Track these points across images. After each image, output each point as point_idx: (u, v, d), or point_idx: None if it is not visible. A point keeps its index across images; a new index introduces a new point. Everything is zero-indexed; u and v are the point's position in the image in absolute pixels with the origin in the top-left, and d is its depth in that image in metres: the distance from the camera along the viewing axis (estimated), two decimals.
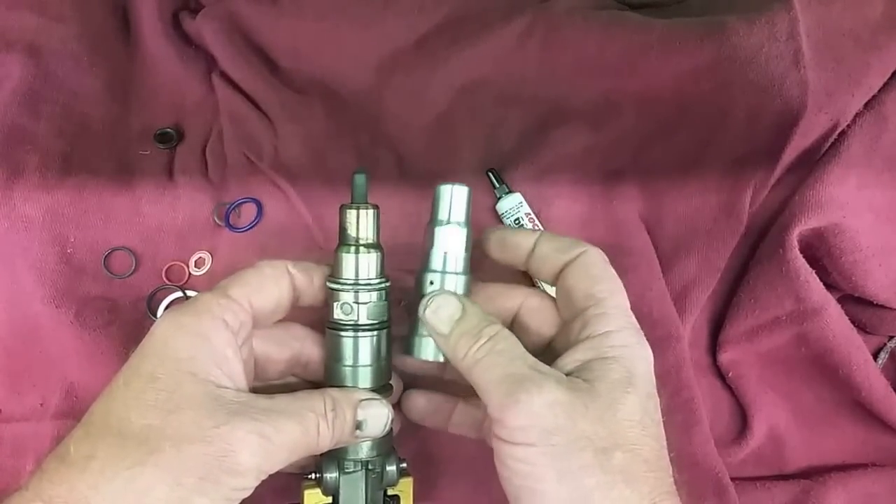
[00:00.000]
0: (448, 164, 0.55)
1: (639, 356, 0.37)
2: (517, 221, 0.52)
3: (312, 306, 0.42)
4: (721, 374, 0.54)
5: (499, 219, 0.53)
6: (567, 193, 0.54)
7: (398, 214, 0.53)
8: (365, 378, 0.40)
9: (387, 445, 0.41)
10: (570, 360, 0.37)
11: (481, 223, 0.54)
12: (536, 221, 0.52)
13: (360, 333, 0.40)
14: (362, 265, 0.39)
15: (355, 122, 0.58)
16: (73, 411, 0.50)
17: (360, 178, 0.40)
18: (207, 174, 0.56)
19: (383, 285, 0.40)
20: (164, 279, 0.53)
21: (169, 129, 0.57)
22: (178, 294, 0.53)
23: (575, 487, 0.34)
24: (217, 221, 0.54)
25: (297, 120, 0.56)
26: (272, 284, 0.40)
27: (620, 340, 0.37)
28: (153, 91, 0.59)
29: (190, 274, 0.54)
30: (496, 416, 0.35)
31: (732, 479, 0.49)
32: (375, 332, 0.40)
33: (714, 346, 0.54)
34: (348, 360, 0.40)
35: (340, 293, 0.40)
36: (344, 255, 0.40)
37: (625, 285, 0.51)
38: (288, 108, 0.56)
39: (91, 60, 0.57)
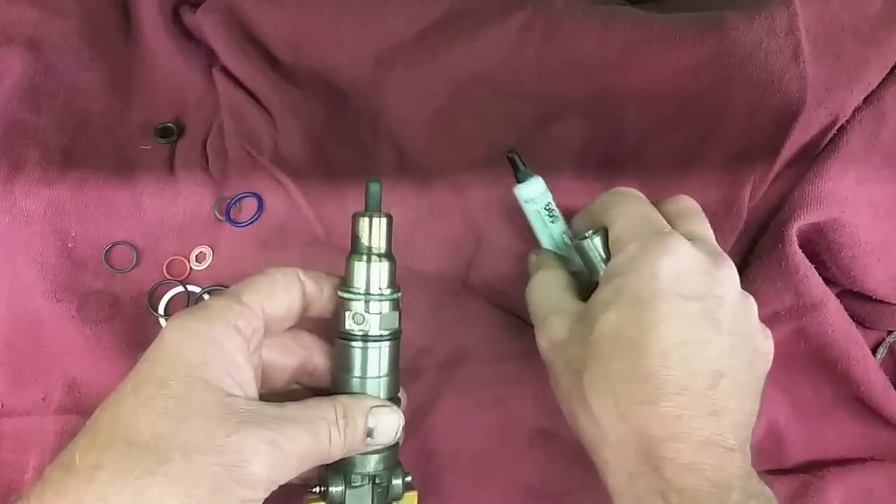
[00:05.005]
0: (448, 158, 0.55)
1: (637, 266, 0.37)
2: (547, 208, 0.47)
3: (321, 317, 0.42)
4: None
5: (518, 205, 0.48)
6: (567, 188, 0.54)
7: (399, 209, 0.53)
8: (374, 389, 0.39)
9: (393, 458, 0.41)
10: (597, 289, 0.40)
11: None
12: (556, 211, 0.48)
13: (369, 344, 0.39)
14: (374, 274, 0.39)
15: (355, 117, 0.58)
16: (76, 406, 0.50)
17: (374, 186, 0.40)
18: (208, 169, 0.56)
19: (395, 296, 0.40)
20: (166, 274, 0.53)
21: (170, 124, 0.57)
22: (180, 289, 0.53)
23: (566, 411, 0.40)
24: (218, 216, 0.54)
25: (297, 114, 0.56)
26: (284, 291, 0.39)
27: (619, 260, 0.39)
28: (154, 85, 0.59)
29: (191, 269, 0.54)
30: None
31: None
32: (385, 343, 0.40)
33: None
34: (357, 371, 0.39)
35: (352, 302, 0.39)
36: (356, 263, 0.39)
37: None
38: (288, 103, 0.56)
39: (91, 55, 0.57)
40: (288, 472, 0.35)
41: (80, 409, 0.50)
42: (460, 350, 0.51)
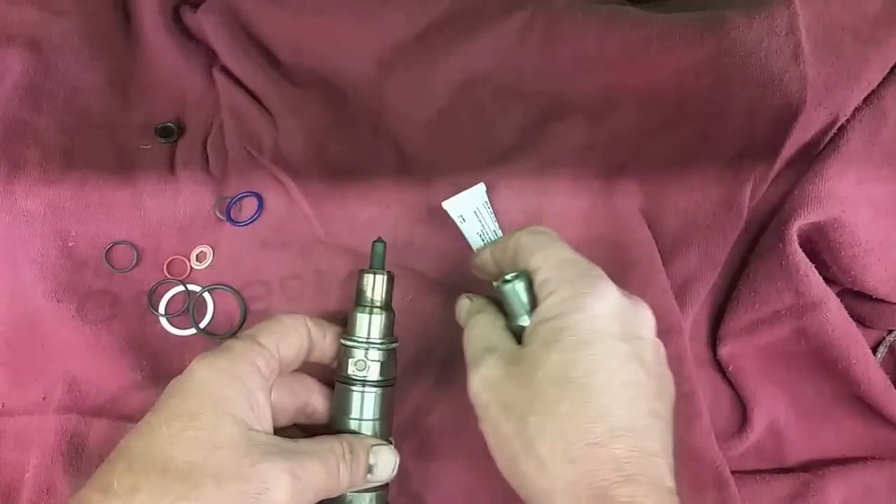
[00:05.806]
0: (448, 158, 0.55)
1: (574, 308, 0.37)
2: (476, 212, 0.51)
3: (321, 362, 0.44)
4: (721, 368, 0.54)
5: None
6: (567, 188, 0.54)
7: (399, 209, 0.53)
8: (369, 431, 0.42)
9: (384, 499, 0.43)
10: (528, 330, 0.39)
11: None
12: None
13: (367, 389, 0.42)
14: (375, 325, 0.43)
15: (356, 117, 0.58)
16: (76, 405, 0.50)
17: (378, 247, 0.44)
18: (208, 168, 0.56)
19: (393, 345, 0.43)
20: (166, 273, 0.53)
21: (170, 123, 0.57)
22: (180, 288, 0.53)
23: (505, 456, 0.37)
24: (218, 215, 0.54)
25: (297, 114, 0.56)
26: (294, 334, 0.42)
27: (552, 302, 0.38)
28: (154, 85, 0.59)
29: (191, 268, 0.54)
30: None
31: (732, 472, 0.49)
32: (382, 389, 0.43)
33: (714, 340, 0.54)
34: (355, 414, 0.42)
35: (354, 350, 0.42)
36: (359, 315, 0.43)
37: (626, 280, 0.51)
38: (288, 102, 0.56)
39: (92, 54, 0.57)
40: (303, 501, 0.37)
41: (80, 408, 0.50)
42: (460, 350, 0.51)
